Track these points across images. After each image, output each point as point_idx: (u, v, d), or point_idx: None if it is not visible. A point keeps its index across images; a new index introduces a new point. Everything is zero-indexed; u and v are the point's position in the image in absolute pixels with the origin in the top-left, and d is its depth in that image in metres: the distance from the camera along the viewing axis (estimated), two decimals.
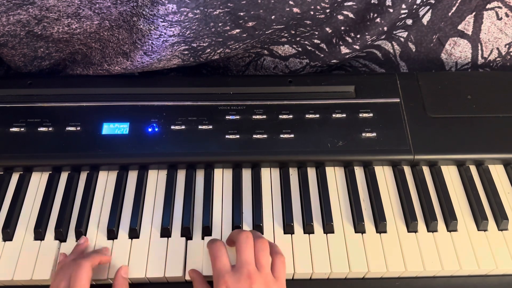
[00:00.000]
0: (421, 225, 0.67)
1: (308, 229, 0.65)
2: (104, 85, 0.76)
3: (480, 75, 0.83)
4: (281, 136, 0.71)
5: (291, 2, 0.69)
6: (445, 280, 0.65)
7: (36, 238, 0.65)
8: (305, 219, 0.66)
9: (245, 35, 0.72)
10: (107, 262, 0.62)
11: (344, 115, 0.73)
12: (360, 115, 0.73)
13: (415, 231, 0.66)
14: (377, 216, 0.66)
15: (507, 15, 0.80)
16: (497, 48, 0.85)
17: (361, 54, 0.88)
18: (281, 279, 0.56)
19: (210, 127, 0.72)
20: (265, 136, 0.71)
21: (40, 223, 0.65)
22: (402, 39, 0.85)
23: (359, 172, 0.72)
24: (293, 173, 0.72)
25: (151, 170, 0.71)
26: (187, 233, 0.65)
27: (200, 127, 0.71)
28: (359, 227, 0.66)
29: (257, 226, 0.65)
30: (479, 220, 0.66)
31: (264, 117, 0.73)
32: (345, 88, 0.76)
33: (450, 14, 0.81)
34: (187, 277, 0.62)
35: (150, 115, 0.72)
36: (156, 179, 0.71)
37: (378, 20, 0.76)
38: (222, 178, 0.71)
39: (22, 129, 0.71)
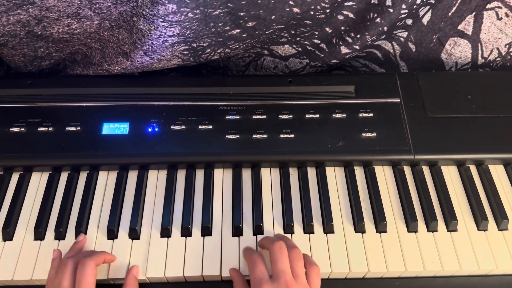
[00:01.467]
0: (421, 225, 0.67)
1: (308, 229, 0.65)
2: (104, 85, 0.76)
3: (480, 75, 0.83)
4: (281, 136, 0.71)
5: (291, 2, 0.69)
6: (445, 280, 0.65)
7: (36, 238, 0.65)
8: (305, 219, 0.66)
9: (245, 35, 0.72)
10: (112, 261, 0.62)
11: (344, 115, 0.73)
12: (360, 115, 0.73)
13: (415, 231, 0.66)
14: (377, 216, 0.66)
15: (507, 15, 0.80)
16: (497, 48, 0.85)
17: (361, 54, 0.88)
18: None
19: (210, 127, 0.72)
20: (265, 136, 0.71)
21: (40, 223, 0.65)
22: (402, 39, 0.85)
23: (359, 172, 0.72)
24: (293, 173, 0.72)
25: (151, 170, 0.71)
26: (187, 233, 0.65)
27: (200, 127, 0.71)
28: (359, 227, 0.66)
29: (257, 226, 0.65)
30: (479, 220, 0.66)
31: (264, 117, 0.73)
32: (345, 88, 0.76)
33: (450, 14, 0.81)
34: (187, 276, 0.62)
35: (150, 115, 0.72)
36: (156, 179, 0.71)
37: (378, 20, 0.76)
38: (222, 178, 0.71)
39: (22, 129, 0.71)
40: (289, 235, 0.65)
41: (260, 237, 0.65)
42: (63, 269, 0.57)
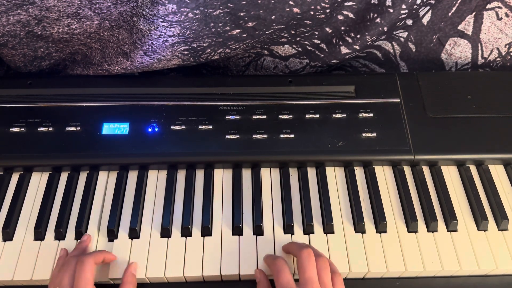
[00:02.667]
0: (421, 225, 0.67)
1: (308, 229, 0.65)
2: (104, 85, 0.76)
3: (480, 75, 0.83)
4: (281, 136, 0.71)
5: (291, 2, 0.69)
6: (445, 280, 0.65)
7: (36, 238, 0.65)
8: (305, 219, 0.66)
9: (245, 35, 0.72)
10: (111, 260, 0.62)
11: (344, 115, 0.73)
12: (360, 115, 0.73)
13: (415, 231, 0.66)
14: (377, 216, 0.66)
15: (507, 15, 0.80)
16: (497, 48, 0.85)
17: (361, 54, 0.88)
18: None
19: (210, 127, 0.72)
20: (265, 136, 0.71)
21: (40, 223, 0.65)
22: (402, 39, 0.85)
23: (359, 172, 0.72)
24: (293, 173, 0.72)
25: (151, 170, 0.71)
26: (187, 233, 0.65)
27: (200, 127, 0.71)
28: (359, 227, 0.66)
29: (257, 226, 0.65)
30: (479, 220, 0.66)
31: (264, 117, 0.73)
32: (345, 88, 0.76)
33: (450, 14, 0.81)
34: (187, 276, 0.62)
35: (150, 115, 0.72)
36: (156, 179, 0.71)
37: (378, 20, 0.76)
38: (222, 178, 0.71)
39: (22, 129, 0.71)
40: (289, 235, 0.65)
41: (260, 237, 0.65)
42: (66, 267, 0.58)
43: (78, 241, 0.64)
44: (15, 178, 0.71)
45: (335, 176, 0.72)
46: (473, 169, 0.73)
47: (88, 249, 0.63)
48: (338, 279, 0.58)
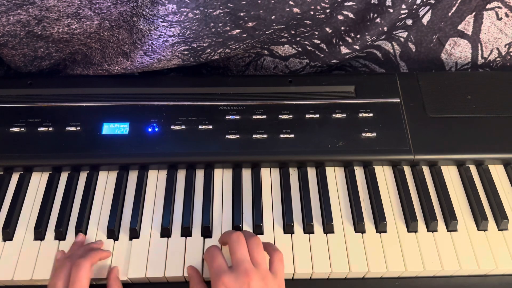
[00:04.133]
0: (421, 225, 0.67)
1: (308, 229, 0.65)
2: (104, 85, 0.76)
3: (480, 75, 0.83)
4: (281, 136, 0.71)
5: (291, 2, 0.69)
6: (445, 280, 0.65)
7: (36, 238, 0.65)
8: (305, 219, 0.66)
9: (245, 35, 0.72)
10: (107, 257, 0.62)
11: (344, 115, 0.73)
12: (360, 115, 0.73)
13: (415, 231, 0.66)
14: (377, 216, 0.66)
15: (507, 15, 0.80)
16: (497, 48, 0.85)
17: (361, 54, 0.88)
18: (280, 275, 0.56)
19: (210, 127, 0.72)
20: (265, 136, 0.71)
21: (40, 223, 0.65)
22: (402, 39, 0.85)
23: (359, 172, 0.72)
24: (293, 173, 0.72)
25: (151, 170, 0.71)
26: (187, 233, 0.65)
27: (200, 127, 0.71)
28: (359, 227, 0.66)
29: (257, 226, 0.65)
30: (479, 220, 0.66)
31: (264, 117, 0.73)
32: (345, 88, 0.76)
33: (450, 14, 0.81)
34: (187, 276, 0.62)
35: (150, 115, 0.72)
36: (156, 179, 0.71)
37: (378, 20, 0.76)
38: (222, 178, 0.71)
39: (22, 129, 0.71)
40: (289, 235, 0.65)
41: (260, 237, 0.64)
42: (59, 270, 0.57)
43: (73, 241, 0.64)
44: (15, 178, 0.71)
45: (335, 176, 0.72)
46: (473, 169, 0.73)
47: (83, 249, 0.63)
48: (277, 257, 0.57)
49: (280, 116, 0.73)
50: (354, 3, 0.75)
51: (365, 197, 0.69)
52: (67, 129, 0.71)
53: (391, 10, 0.74)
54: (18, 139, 0.70)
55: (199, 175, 0.71)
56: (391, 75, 0.78)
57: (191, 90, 0.76)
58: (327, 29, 0.79)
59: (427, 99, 0.75)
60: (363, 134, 0.71)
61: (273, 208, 0.68)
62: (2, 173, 0.71)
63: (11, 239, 0.65)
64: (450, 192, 0.70)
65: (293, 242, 0.64)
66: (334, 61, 0.83)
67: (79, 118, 0.72)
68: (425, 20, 0.82)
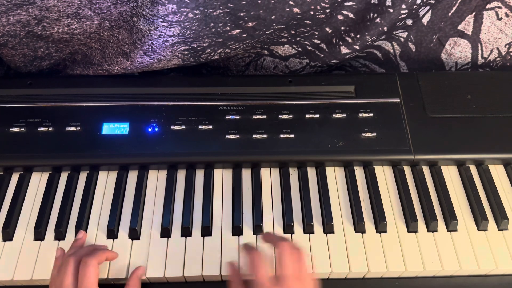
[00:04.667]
0: (421, 225, 0.67)
1: (308, 229, 0.65)
2: (104, 85, 0.76)
3: (480, 75, 0.83)
4: (281, 136, 0.71)
5: (291, 2, 0.69)
6: (445, 280, 0.65)
7: (36, 238, 0.65)
8: (305, 219, 0.66)
9: (245, 35, 0.72)
10: (114, 258, 0.62)
11: (344, 115, 0.73)
12: (360, 115, 0.73)
13: (415, 231, 0.66)
14: (377, 216, 0.66)
15: (507, 15, 0.80)
16: (497, 48, 0.85)
17: (361, 54, 0.88)
18: None
19: (210, 127, 0.72)
20: (265, 136, 0.71)
21: (40, 223, 0.65)
22: (402, 39, 0.85)
23: (359, 172, 0.72)
24: (293, 173, 0.72)
25: (151, 170, 0.71)
26: (187, 233, 0.65)
27: (200, 127, 0.71)
28: (359, 227, 0.66)
29: (257, 226, 0.65)
30: (479, 220, 0.66)
31: (264, 117, 0.73)
32: (345, 88, 0.76)
33: (450, 14, 0.81)
34: (187, 276, 0.62)
35: (150, 115, 0.72)
36: (156, 179, 0.71)
37: (378, 20, 0.76)
38: (222, 178, 0.71)
39: (22, 129, 0.71)
40: (289, 235, 0.65)
41: (260, 237, 0.65)
42: (65, 267, 0.57)
43: (74, 239, 0.64)
44: (15, 178, 0.71)
45: (335, 176, 0.72)
46: (473, 169, 0.73)
47: (84, 246, 0.63)
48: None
49: (280, 116, 0.73)
50: (354, 3, 0.75)
51: (365, 197, 0.69)
52: (67, 129, 0.71)
53: (391, 10, 0.74)
54: (18, 139, 0.70)
55: (199, 175, 0.71)
56: (391, 75, 0.78)
57: (191, 90, 0.76)
58: (327, 29, 0.79)
59: (427, 99, 0.75)
60: (363, 134, 0.71)
61: (273, 208, 0.68)
62: (2, 173, 0.71)
63: (11, 239, 0.65)
64: (450, 192, 0.70)
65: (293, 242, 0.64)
66: (334, 61, 0.83)
67: (79, 118, 0.72)
68: (425, 20, 0.82)
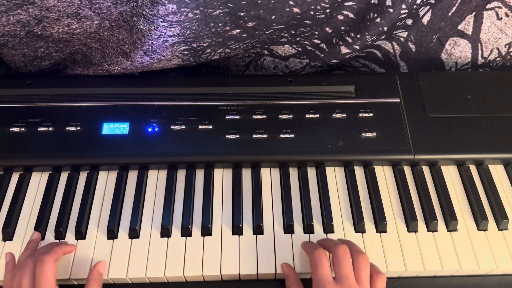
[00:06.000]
0: (421, 225, 0.67)
1: (308, 229, 0.65)
2: (104, 85, 0.76)
3: (480, 75, 0.83)
4: (281, 136, 0.71)
5: (291, 2, 0.69)
6: (445, 280, 0.65)
7: None
8: (305, 219, 0.66)
9: (245, 35, 0.72)
10: (72, 251, 0.61)
11: (344, 115, 0.73)
12: (360, 115, 0.73)
13: (415, 231, 0.66)
14: (377, 216, 0.66)
15: (507, 15, 0.80)
16: (497, 48, 0.85)
17: (361, 54, 0.88)
18: None
19: (210, 127, 0.72)
20: (265, 136, 0.71)
21: (40, 223, 0.65)
22: (402, 39, 0.85)
23: (359, 172, 0.72)
24: (293, 173, 0.72)
25: (151, 170, 0.71)
26: (187, 233, 0.65)
27: (200, 127, 0.71)
28: (359, 227, 0.66)
29: (257, 226, 0.65)
30: (479, 220, 0.66)
31: (264, 117, 0.73)
32: (345, 88, 0.76)
33: (450, 14, 0.81)
34: (187, 276, 0.62)
35: (150, 115, 0.72)
36: (156, 179, 0.71)
37: (378, 20, 0.76)
38: (222, 178, 0.71)
39: (22, 129, 0.71)
40: (289, 235, 0.65)
41: (260, 236, 0.65)
42: (21, 269, 0.56)
43: (28, 240, 0.63)
44: (15, 178, 0.71)
45: (335, 176, 0.72)
46: (473, 169, 0.73)
47: (38, 247, 0.62)
48: (380, 278, 0.57)
49: (280, 116, 0.73)
50: (354, 3, 0.75)
51: (365, 197, 0.69)
52: (67, 129, 0.71)
53: (391, 10, 0.74)
54: (18, 139, 0.70)
55: (199, 175, 0.71)
56: (391, 75, 0.78)
57: (191, 90, 0.76)
58: (327, 29, 0.79)
59: (427, 99, 0.75)
60: (363, 134, 0.71)
61: (273, 208, 0.68)
62: (2, 173, 0.71)
63: (11, 239, 0.65)
64: (450, 192, 0.70)
65: (293, 242, 0.64)
66: (334, 61, 0.83)
67: (79, 118, 0.72)
68: (425, 20, 0.82)
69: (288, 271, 0.61)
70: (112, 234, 0.65)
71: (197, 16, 0.66)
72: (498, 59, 0.86)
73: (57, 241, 0.64)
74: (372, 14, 0.76)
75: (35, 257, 0.57)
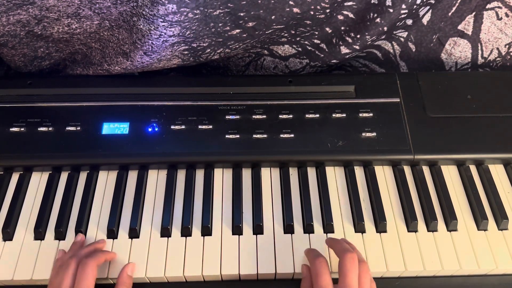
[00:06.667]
0: (421, 224, 0.67)
1: (308, 229, 0.65)
2: (104, 85, 0.76)
3: (480, 75, 0.83)
4: (281, 136, 0.71)
5: (291, 2, 0.69)
6: (445, 280, 0.65)
7: (36, 238, 0.65)
8: (305, 219, 0.66)
9: (245, 35, 0.72)
10: (113, 258, 0.62)
11: (344, 115, 0.73)
12: (360, 115, 0.73)
13: (415, 231, 0.66)
14: (377, 215, 0.66)
15: (507, 15, 0.80)
16: (497, 48, 0.85)
17: (361, 54, 0.88)
18: None
19: (210, 127, 0.72)
20: (265, 136, 0.71)
21: (40, 223, 0.65)
22: (402, 39, 0.85)
23: (359, 172, 0.72)
24: (293, 173, 0.72)
25: (151, 170, 0.71)
26: (187, 233, 0.65)
27: (200, 127, 0.71)
28: (359, 227, 0.66)
29: (257, 226, 0.65)
30: (479, 219, 0.66)
31: (264, 117, 0.73)
32: (345, 88, 0.76)
33: (450, 14, 0.81)
34: (187, 276, 0.62)
35: (150, 115, 0.72)
36: (156, 179, 0.71)
37: (378, 20, 0.76)
38: (222, 178, 0.71)
39: (22, 129, 0.71)
40: (289, 235, 0.65)
41: (260, 236, 0.65)
42: (64, 269, 0.57)
43: (73, 241, 0.64)
44: (15, 178, 0.71)
45: (335, 176, 0.72)
46: (473, 169, 0.73)
47: (84, 248, 0.63)
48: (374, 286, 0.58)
49: (280, 116, 0.73)
50: (354, 3, 0.75)
51: (365, 197, 0.69)
52: (67, 129, 0.71)
53: (391, 10, 0.74)
54: (18, 139, 0.70)
55: (199, 175, 0.71)
56: (391, 75, 0.78)
57: (191, 90, 0.76)
58: (327, 29, 0.79)
59: (427, 99, 0.75)
60: (363, 134, 0.71)
61: (273, 208, 0.68)
62: (2, 173, 0.71)
63: (11, 239, 0.65)
64: (450, 192, 0.70)
65: (293, 242, 0.64)
66: (334, 61, 0.83)
67: (79, 118, 0.72)
68: (425, 20, 0.82)
69: (307, 273, 0.61)
70: (112, 234, 0.65)
71: (197, 16, 0.66)
72: (498, 59, 0.86)
73: (97, 243, 0.63)
74: (372, 14, 0.76)
75: (78, 258, 0.58)
